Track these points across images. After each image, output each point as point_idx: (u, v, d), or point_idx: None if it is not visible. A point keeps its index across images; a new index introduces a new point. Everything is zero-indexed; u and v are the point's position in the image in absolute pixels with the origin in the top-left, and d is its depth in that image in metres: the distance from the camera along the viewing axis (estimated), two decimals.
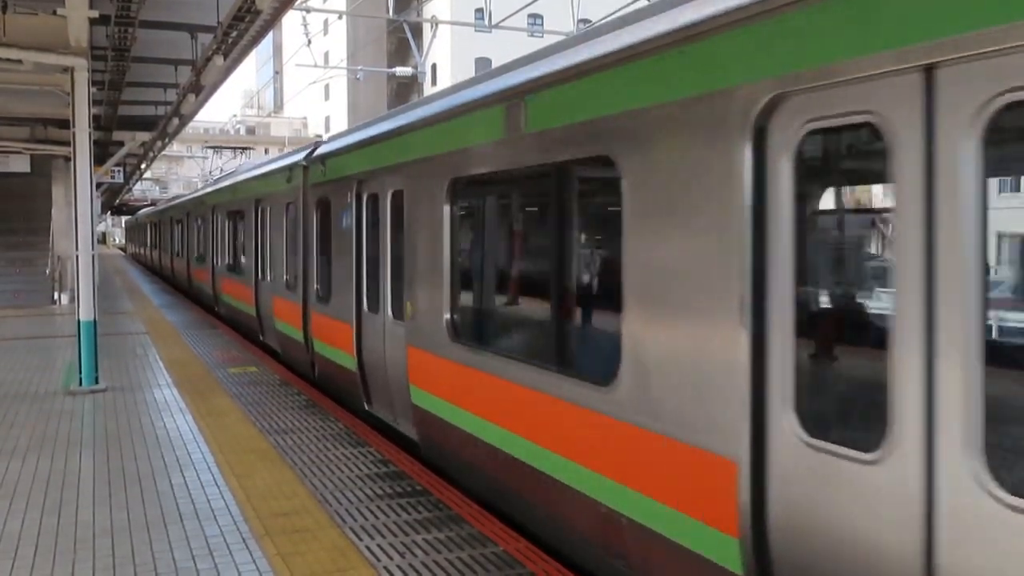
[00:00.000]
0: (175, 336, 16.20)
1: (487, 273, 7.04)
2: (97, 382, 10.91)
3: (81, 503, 6.45)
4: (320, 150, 11.08)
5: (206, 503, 6.39)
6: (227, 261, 18.30)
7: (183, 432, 8.57)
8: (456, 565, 5.22)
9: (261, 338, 14.99)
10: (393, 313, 8.41)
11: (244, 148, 34.20)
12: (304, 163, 11.67)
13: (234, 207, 17.46)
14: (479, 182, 6.64)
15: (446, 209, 6.94)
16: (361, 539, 5.64)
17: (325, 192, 10.59)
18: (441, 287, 7.00)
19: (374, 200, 8.90)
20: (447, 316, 6.92)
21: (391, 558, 5.32)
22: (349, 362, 9.57)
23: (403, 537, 5.68)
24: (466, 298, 7.07)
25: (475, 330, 6.92)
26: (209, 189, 22.75)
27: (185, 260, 26.17)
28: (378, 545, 5.53)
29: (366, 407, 9.28)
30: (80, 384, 10.83)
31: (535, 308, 6.10)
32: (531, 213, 6.71)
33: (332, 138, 11.24)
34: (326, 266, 10.58)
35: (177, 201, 31.34)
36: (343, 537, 5.68)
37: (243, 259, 16.43)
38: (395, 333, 8.26)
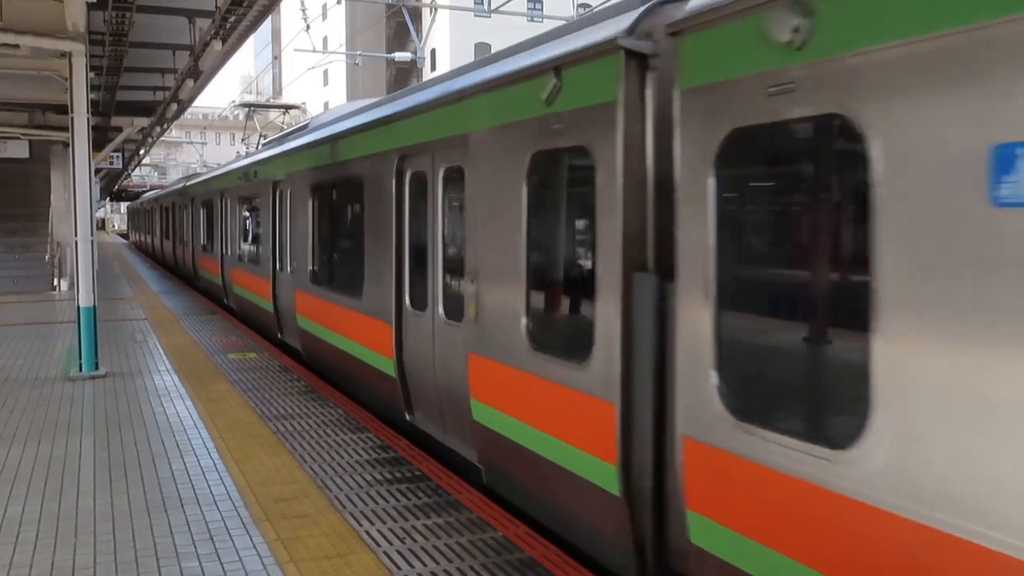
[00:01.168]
0: (174, 322, 16.21)
1: None
2: (97, 368, 10.93)
3: (82, 488, 6.47)
4: None
5: (206, 488, 6.42)
6: (311, 268, 11.47)
7: (183, 418, 8.60)
8: (455, 550, 5.25)
9: (408, 417, 8.08)
10: None
11: (289, 107, 26.00)
12: (628, 45, 4.55)
13: (329, 176, 10.68)
14: None
15: None
16: (361, 524, 5.67)
17: (782, 99, 3.56)
18: None
19: None
20: None
21: (391, 543, 5.35)
22: None
23: (403, 522, 5.71)
24: None
25: None
26: (267, 154, 14.60)
27: (218, 259, 18.98)
28: (378, 530, 5.56)
29: None
30: (80, 370, 10.85)
31: None
32: None
33: None
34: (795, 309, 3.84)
35: (204, 177, 23.56)
36: (343, 522, 5.71)
37: (354, 269, 9.43)
38: None
